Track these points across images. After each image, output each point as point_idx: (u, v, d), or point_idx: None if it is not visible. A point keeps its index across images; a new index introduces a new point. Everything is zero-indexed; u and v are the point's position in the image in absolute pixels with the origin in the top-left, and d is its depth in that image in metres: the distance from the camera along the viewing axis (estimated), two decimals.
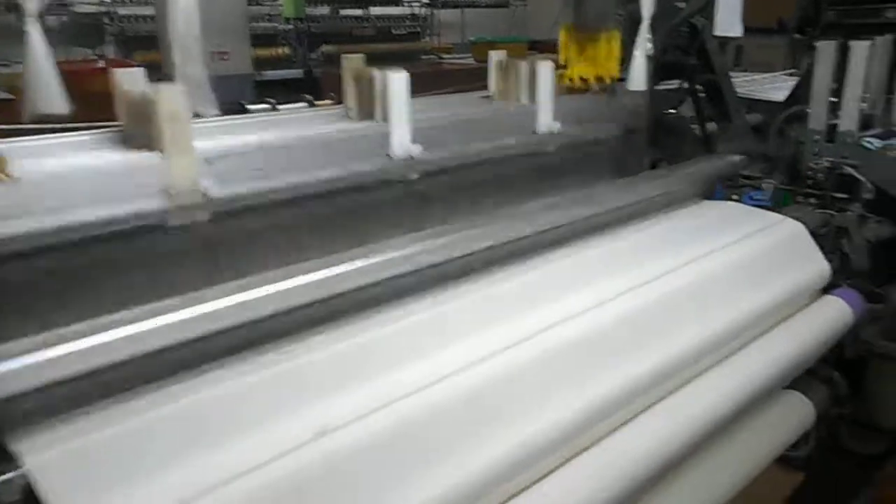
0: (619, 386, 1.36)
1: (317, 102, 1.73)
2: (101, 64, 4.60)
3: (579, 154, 2.09)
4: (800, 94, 2.55)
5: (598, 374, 1.35)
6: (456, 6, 8.97)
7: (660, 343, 1.49)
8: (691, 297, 1.66)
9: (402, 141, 1.58)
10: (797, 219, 1.89)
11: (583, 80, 2.13)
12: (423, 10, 8.14)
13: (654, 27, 2.30)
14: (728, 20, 2.07)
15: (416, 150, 1.62)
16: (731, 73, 5.08)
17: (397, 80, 1.55)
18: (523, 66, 1.91)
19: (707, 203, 2.03)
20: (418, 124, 1.61)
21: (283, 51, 6.31)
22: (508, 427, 1.15)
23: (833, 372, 2.06)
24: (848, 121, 2.04)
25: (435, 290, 1.40)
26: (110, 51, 5.69)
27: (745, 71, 5.65)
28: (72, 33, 5.73)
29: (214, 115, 2.24)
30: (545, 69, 1.87)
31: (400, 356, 1.17)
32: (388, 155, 1.56)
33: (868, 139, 2.03)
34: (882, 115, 2.34)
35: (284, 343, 1.13)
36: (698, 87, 2.91)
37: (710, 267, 1.76)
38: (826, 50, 2.03)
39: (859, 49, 2.00)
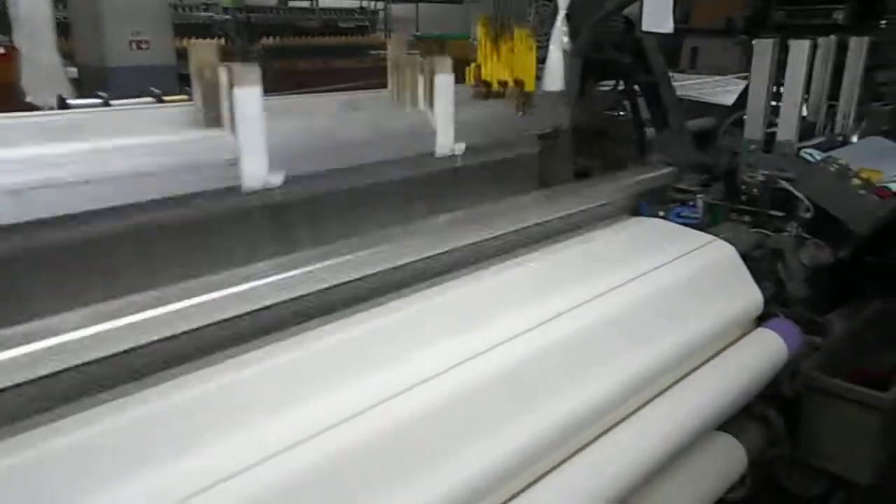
0: (530, 437, 1.16)
1: (165, 98, 1.44)
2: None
3: (487, 172, 1.83)
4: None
5: (505, 426, 1.14)
6: (410, 1, 8.68)
7: (572, 387, 1.27)
8: (606, 332, 1.43)
9: (255, 169, 1.28)
10: (727, 240, 1.66)
11: (500, 83, 1.87)
12: (374, 4, 7.84)
13: (577, 21, 2.07)
14: (656, 15, 1.84)
15: (276, 179, 1.32)
16: (686, 76, 4.88)
17: (247, 94, 1.25)
18: (421, 72, 1.63)
19: (629, 220, 1.79)
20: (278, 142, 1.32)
21: (218, 42, 5.95)
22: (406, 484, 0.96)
23: (769, 410, 1.84)
24: (786, 129, 1.82)
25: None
26: None
27: (698, 73, 5.50)
28: None
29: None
30: (444, 82, 1.59)
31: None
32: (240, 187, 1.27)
33: (808, 150, 1.81)
34: (825, 124, 2.14)
35: None
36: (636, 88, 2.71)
37: (627, 296, 1.53)
38: (763, 50, 1.81)
39: (799, 49, 1.78)
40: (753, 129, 1.87)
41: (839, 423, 1.89)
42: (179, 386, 0.95)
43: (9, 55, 4.42)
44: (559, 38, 1.69)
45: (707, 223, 1.73)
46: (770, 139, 1.88)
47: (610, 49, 2.40)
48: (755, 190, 1.74)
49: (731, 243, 1.65)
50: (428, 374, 1.13)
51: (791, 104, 1.80)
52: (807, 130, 2.11)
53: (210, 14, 6.06)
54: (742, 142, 1.89)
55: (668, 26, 1.89)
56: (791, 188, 1.67)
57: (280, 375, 1.04)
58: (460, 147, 1.69)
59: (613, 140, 2.45)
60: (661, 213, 1.75)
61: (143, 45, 4.34)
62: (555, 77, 1.73)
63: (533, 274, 1.59)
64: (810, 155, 1.78)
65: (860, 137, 2.13)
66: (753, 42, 1.85)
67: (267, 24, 6.45)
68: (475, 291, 1.45)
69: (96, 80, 4.32)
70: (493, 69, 1.83)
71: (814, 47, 2.05)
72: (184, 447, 0.86)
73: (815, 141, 1.97)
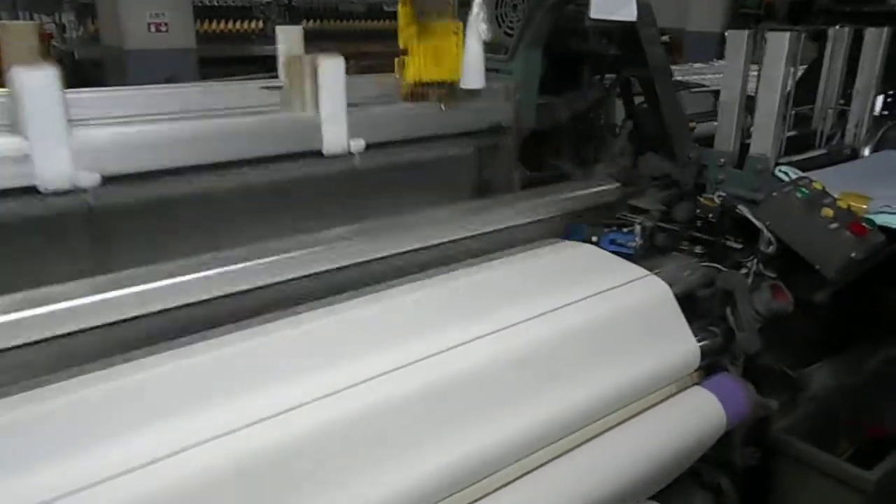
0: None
1: None
2: None
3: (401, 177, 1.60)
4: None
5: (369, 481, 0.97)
6: None
7: (448, 439, 1.08)
8: (500, 376, 1.21)
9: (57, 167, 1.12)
10: (663, 275, 1.36)
11: (425, 83, 1.61)
12: None
13: (534, 5, 1.78)
14: None
15: (88, 178, 1.16)
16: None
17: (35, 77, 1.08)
18: (307, 61, 1.42)
19: (554, 245, 1.51)
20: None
21: (255, 25, 5.89)
22: None
23: (722, 479, 1.53)
24: (760, 141, 1.49)
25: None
26: (69, 18, 5.39)
27: None
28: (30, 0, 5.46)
29: None
30: (332, 67, 1.38)
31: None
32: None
33: (784, 168, 1.47)
34: (832, 133, 1.77)
35: None
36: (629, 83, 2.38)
37: (529, 336, 1.28)
38: (737, 43, 1.48)
39: (776, 43, 1.44)
40: (724, 139, 1.55)
41: (813, 501, 1.56)
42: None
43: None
44: (476, 26, 1.43)
45: (645, 253, 1.43)
46: (743, 152, 1.55)
47: (594, 39, 2.10)
48: (710, 215, 1.42)
49: (666, 279, 1.35)
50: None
51: (766, 110, 1.46)
52: (809, 140, 1.75)
53: None
54: (711, 155, 1.57)
55: (628, 13, 1.58)
56: (749, 215, 1.35)
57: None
58: (358, 144, 1.46)
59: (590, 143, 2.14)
60: (594, 238, 1.47)
61: (162, 28, 4.29)
62: (474, 73, 1.47)
63: (427, 302, 1.36)
64: (785, 173, 1.44)
65: (875, 150, 1.74)
66: (727, 33, 1.52)
67: (309, 6, 6.33)
68: (355, 319, 1.25)
69: (116, 63, 4.32)
70: (420, 72, 1.58)
71: (823, 40, 1.69)
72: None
73: (806, 155, 1.61)
